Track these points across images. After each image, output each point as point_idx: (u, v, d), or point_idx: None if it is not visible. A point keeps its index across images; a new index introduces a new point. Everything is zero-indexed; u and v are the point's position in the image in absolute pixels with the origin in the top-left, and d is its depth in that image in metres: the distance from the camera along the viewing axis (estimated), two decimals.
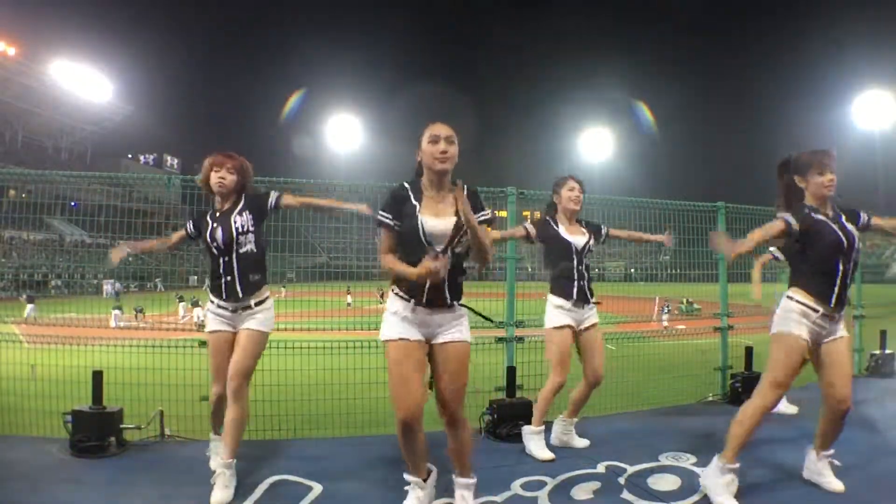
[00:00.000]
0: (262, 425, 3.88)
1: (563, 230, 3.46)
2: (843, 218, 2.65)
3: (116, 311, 9.59)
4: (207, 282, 2.99)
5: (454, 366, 2.36)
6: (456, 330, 2.38)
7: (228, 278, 2.84)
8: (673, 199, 5.18)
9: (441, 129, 2.31)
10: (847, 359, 2.65)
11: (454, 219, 2.27)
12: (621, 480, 2.95)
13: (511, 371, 4.08)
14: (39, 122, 55.69)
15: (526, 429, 3.48)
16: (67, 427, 3.39)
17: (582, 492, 2.81)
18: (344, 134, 73.51)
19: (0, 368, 4.11)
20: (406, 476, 2.44)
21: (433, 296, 2.30)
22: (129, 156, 72.14)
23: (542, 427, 3.44)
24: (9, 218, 4.83)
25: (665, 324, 10.31)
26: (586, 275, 3.45)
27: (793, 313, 2.61)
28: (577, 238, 3.45)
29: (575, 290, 3.38)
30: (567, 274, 3.39)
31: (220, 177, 2.94)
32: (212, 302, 2.92)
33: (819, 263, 2.58)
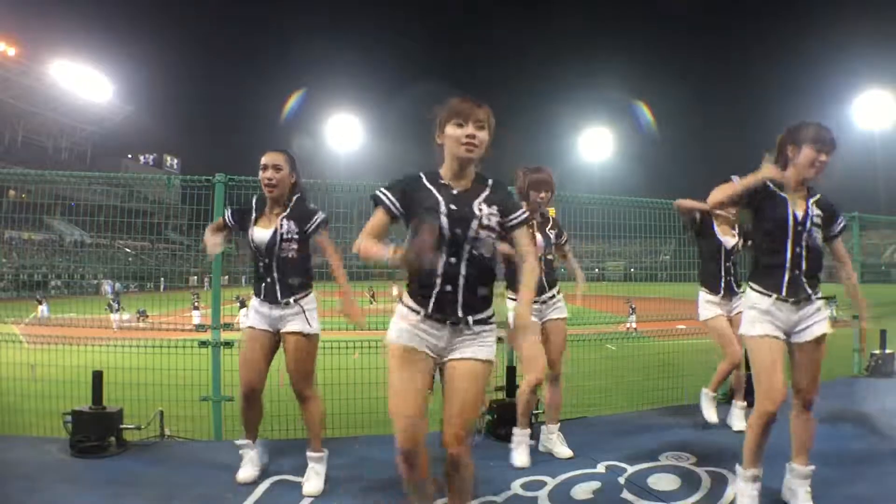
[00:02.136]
0: (262, 425, 3.87)
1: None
2: (814, 203, 2.46)
3: (115, 316, 9.58)
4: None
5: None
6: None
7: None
8: (673, 199, 5.18)
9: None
10: (815, 363, 2.47)
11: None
12: (621, 480, 2.94)
13: (511, 371, 4.07)
14: (39, 122, 55.71)
15: None
16: (67, 427, 3.39)
17: (582, 492, 2.81)
18: (344, 134, 73.57)
19: (0, 368, 4.11)
20: None
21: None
22: (129, 156, 72.16)
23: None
24: (9, 218, 4.82)
25: (633, 326, 10.25)
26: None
27: (752, 310, 2.47)
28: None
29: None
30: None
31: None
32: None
33: (766, 246, 2.45)
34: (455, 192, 1.96)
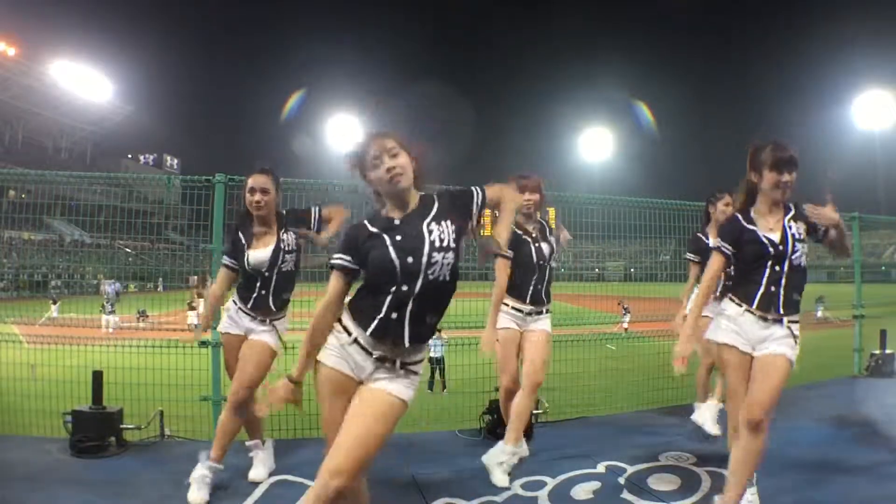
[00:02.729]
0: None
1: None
2: (790, 220, 2.42)
3: (107, 318, 9.59)
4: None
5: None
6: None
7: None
8: (673, 199, 5.19)
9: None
10: (769, 379, 2.31)
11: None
12: (621, 480, 2.95)
13: None
14: (39, 122, 55.66)
15: None
16: (67, 427, 3.39)
17: (582, 492, 2.81)
18: (344, 134, 73.57)
19: (0, 368, 4.11)
20: None
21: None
22: (129, 156, 72.15)
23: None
24: (9, 218, 4.83)
25: (625, 326, 10.25)
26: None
27: (720, 317, 2.46)
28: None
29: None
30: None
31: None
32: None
33: (745, 268, 2.43)
34: (398, 221, 1.85)
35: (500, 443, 3.06)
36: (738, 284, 2.46)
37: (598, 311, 5.87)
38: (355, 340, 1.82)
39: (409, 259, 1.79)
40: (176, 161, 76.11)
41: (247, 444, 3.06)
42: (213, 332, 3.93)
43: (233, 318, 2.92)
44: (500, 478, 2.94)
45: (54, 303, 8.97)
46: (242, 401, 2.78)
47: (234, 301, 2.94)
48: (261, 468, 2.98)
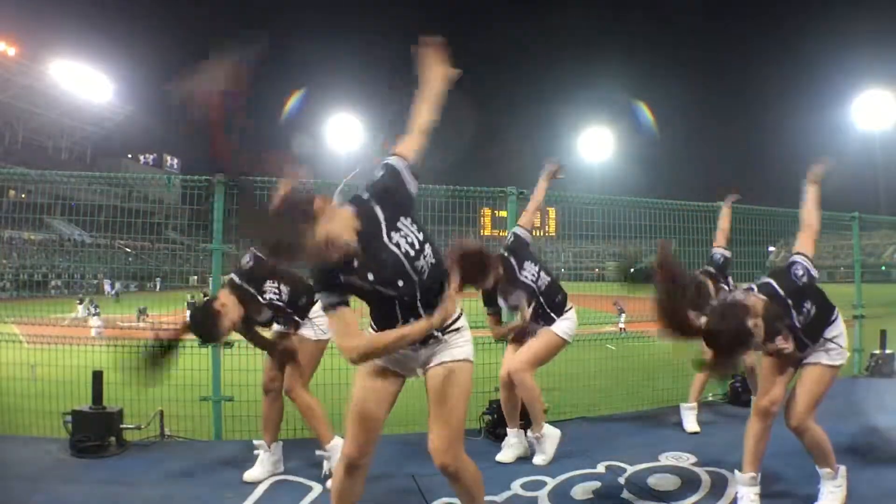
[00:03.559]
0: (262, 425, 3.87)
1: None
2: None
3: (94, 319, 9.56)
4: None
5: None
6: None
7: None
8: (673, 199, 5.19)
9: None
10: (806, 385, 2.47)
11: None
12: (621, 480, 2.95)
13: None
14: (39, 122, 55.67)
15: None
16: (67, 427, 3.39)
17: (582, 492, 2.81)
18: (344, 134, 73.56)
19: (0, 368, 4.11)
20: None
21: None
22: (129, 156, 72.12)
23: None
24: (9, 218, 4.82)
25: (622, 326, 10.19)
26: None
27: None
28: None
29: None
30: None
31: None
32: None
33: None
34: (361, 262, 1.67)
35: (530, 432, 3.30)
36: None
37: (597, 311, 5.86)
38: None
39: (400, 283, 1.72)
40: (176, 161, 76.05)
41: (255, 442, 3.06)
42: None
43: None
44: (545, 454, 3.23)
45: (80, 302, 8.95)
46: (277, 390, 2.98)
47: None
48: (258, 469, 2.96)
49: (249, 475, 2.93)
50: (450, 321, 1.86)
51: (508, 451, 3.33)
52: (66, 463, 3.17)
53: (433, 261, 1.78)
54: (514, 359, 3.27)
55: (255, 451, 3.02)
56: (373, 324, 1.89)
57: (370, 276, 1.68)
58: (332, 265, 1.64)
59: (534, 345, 3.26)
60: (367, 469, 1.93)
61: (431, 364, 1.88)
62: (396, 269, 1.70)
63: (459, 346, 1.88)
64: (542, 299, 3.25)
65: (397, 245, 1.70)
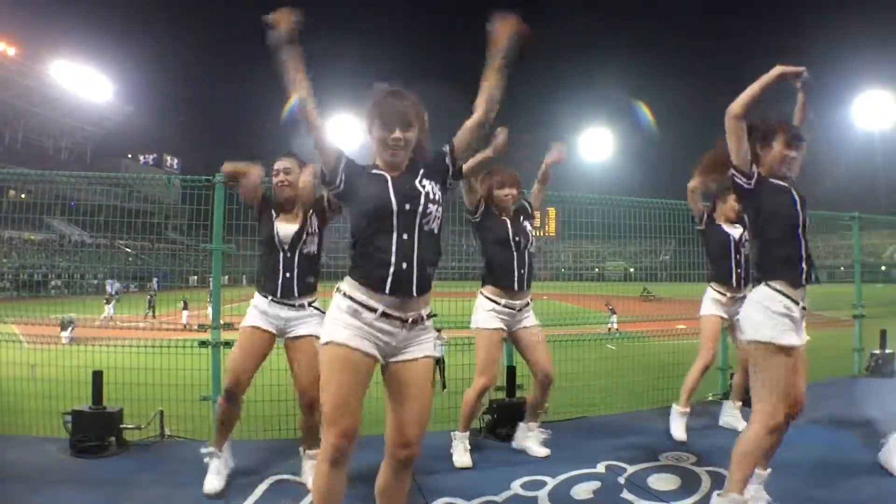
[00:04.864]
0: (262, 425, 3.88)
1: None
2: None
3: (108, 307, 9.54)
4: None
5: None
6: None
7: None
8: (673, 199, 5.18)
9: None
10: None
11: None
12: (621, 480, 2.95)
13: (511, 371, 4.07)
14: (39, 122, 55.66)
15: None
16: (67, 427, 3.39)
17: (582, 492, 2.81)
18: (344, 134, 73.54)
19: (0, 368, 4.11)
20: None
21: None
22: (129, 156, 72.13)
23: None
24: (9, 218, 4.83)
25: (614, 326, 10.17)
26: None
27: (782, 316, 2.28)
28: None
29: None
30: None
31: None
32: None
33: (779, 231, 2.34)
34: (393, 176, 1.95)
35: (523, 424, 3.43)
36: (779, 265, 2.32)
37: (597, 311, 5.87)
38: (383, 313, 1.85)
39: (407, 206, 1.88)
40: (176, 161, 76.10)
41: (203, 450, 2.90)
42: (213, 332, 3.94)
43: (265, 311, 2.82)
44: (540, 450, 3.30)
45: (107, 302, 8.90)
46: (314, 400, 2.72)
47: (262, 296, 2.84)
48: (214, 479, 2.80)
49: (209, 487, 2.75)
50: (427, 313, 1.96)
51: (460, 451, 3.28)
52: (66, 463, 3.17)
53: (438, 225, 1.94)
54: (550, 363, 3.30)
55: (206, 460, 2.85)
56: (362, 279, 1.88)
57: (395, 183, 1.92)
58: (361, 166, 1.98)
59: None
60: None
61: (405, 357, 1.92)
62: (414, 193, 1.91)
63: (429, 342, 1.98)
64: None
65: (423, 186, 1.94)
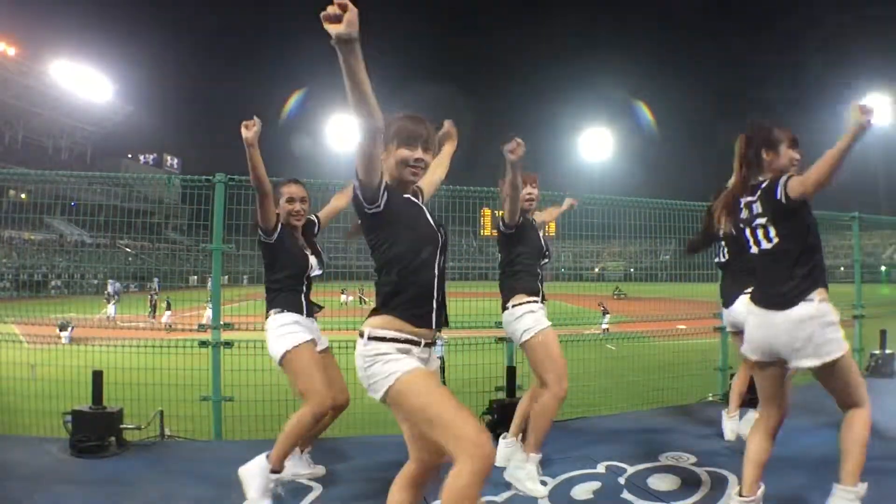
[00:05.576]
0: (262, 425, 3.88)
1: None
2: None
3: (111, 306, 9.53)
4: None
5: None
6: None
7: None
8: (673, 199, 5.18)
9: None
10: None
11: None
12: (621, 480, 2.95)
13: (511, 371, 4.08)
14: (39, 122, 55.67)
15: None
16: (67, 427, 3.39)
17: (582, 492, 2.81)
18: (344, 134, 73.48)
19: (0, 368, 4.11)
20: None
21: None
22: (129, 156, 72.15)
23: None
24: (9, 218, 4.83)
25: (606, 326, 10.16)
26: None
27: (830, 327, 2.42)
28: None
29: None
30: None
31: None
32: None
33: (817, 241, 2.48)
34: (425, 204, 2.00)
35: (521, 454, 2.92)
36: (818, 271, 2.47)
37: (595, 311, 5.87)
38: (427, 344, 1.84)
39: (440, 237, 1.88)
40: (176, 161, 76.14)
41: (301, 457, 3.00)
42: (213, 332, 3.94)
43: (308, 326, 2.84)
44: (537, 488, 2.80)
45: (108, 301, 8.88)
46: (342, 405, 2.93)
47: (286, 313, 2.79)
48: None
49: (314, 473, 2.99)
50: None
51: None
52: (66, 463, 3.17)
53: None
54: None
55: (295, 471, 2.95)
56: (405, 312, 1.80)
57: (426, 208, 1.95)
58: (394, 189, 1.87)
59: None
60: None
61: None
62: (439, 221, 1.94)
63: (435, 351, 1.96)
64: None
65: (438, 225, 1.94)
